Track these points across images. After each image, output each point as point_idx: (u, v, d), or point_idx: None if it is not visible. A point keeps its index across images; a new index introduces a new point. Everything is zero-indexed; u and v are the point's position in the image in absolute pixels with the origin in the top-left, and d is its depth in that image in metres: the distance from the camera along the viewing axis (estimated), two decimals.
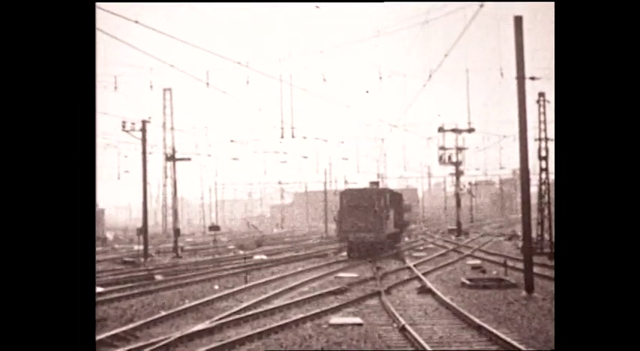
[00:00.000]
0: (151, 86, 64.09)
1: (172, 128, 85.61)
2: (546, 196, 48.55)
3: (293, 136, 63.43)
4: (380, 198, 50.40)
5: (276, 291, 29.68)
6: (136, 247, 64.40)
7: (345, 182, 56.54)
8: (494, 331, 18.83)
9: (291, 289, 30.88)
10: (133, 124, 55.60)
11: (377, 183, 56.86)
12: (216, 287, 32.58)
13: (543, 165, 46.15)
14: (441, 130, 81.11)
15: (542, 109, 46.04)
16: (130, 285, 34.02)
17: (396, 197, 59.66)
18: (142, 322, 21.75)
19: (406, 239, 72.82)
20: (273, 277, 36.52)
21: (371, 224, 49.51)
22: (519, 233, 61.10)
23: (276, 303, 26.19)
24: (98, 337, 18.96)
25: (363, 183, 70.06)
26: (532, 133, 43.85)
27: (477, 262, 43.62)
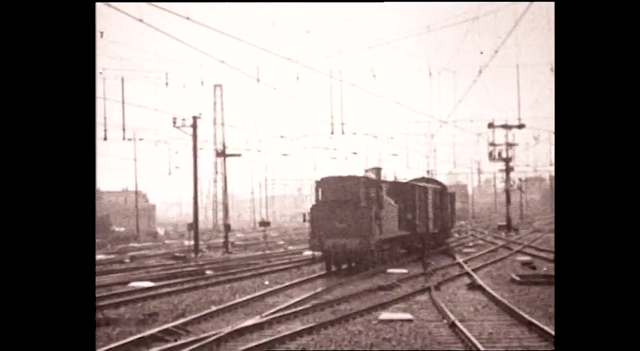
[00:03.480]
0: (202, 82, 64.39)
1: (223, 124, 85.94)
2: None
3: (343, 132, 63.48)
4: (369, 190, 37.25)
5: (326, 286, 29.76)
6: (186, 243, 64.83)
7: (395, 178, 55.96)
8: (545, 327, 18.75)
9: (341, 284, 30.92)
10: (184, 120, 56.01)
11: (378, 170, 42.32)
12: (267, 282, 32.74)
13: None
14: (490, 126, 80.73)
15: None
16: (180, 280, 34.30)
17: (416, 189, 47.70)
18: (193, 316, 21.92)
19: (456, 236, 72.59)
20: (323, 272, 36.55)
21: (354, 226, 35.95)
22: None
23: (326, 298, 26.27)
24: (150, 332, 19.16)
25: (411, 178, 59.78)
26: None
27: (527, 258, 43.38)
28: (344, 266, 37.66)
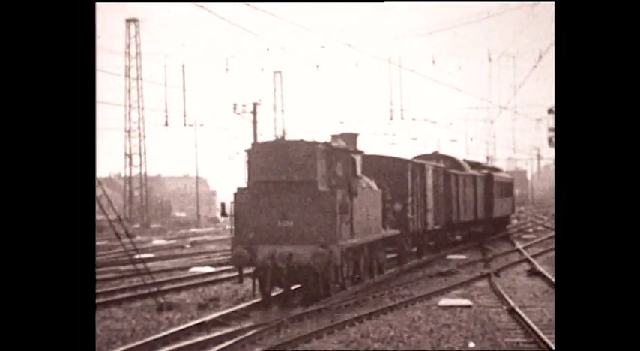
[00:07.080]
0: (262, 68, 64.70)
1: (282, 110, 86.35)
2: None
3: (402, 118, 63.45)
4: (334, 165, 22.72)
5: (386, 273, 29.77)
6: None
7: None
8: None
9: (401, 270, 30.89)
10: (244, 106, 56.36)
11: (352, 136, 26.91)
12: None
13: None
14: (550, 111, 79.99)
15: None
16: None
17: (408, 167, 32.63)
18: (253, 301, 22.05)
19: (515, 222, 72.23)
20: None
21: (308, 224, 21.52)
22: None
23: (387, 284, 26.31)
24: (210, 317, 19.34)
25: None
26: None
27: None
28: (292, 288, 23.07)
